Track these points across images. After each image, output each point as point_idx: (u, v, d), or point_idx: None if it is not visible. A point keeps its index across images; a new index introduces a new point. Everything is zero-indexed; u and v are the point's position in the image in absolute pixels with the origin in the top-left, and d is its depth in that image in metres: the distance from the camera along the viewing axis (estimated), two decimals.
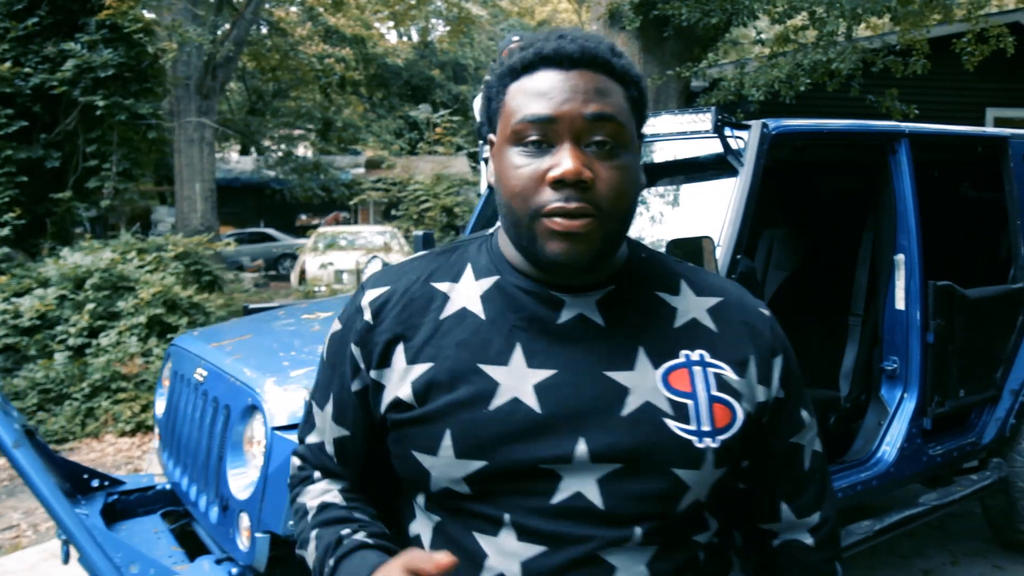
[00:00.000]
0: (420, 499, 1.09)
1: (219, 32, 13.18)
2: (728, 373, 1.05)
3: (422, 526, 1.09)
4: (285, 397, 1.83)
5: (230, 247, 8.23)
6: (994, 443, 3.15)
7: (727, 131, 2.43)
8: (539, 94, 1.00)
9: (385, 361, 1.07)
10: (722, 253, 2.29)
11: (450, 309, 1.07)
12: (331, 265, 9.19)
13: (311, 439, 1.18)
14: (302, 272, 11.11)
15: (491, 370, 1.02)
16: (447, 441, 1.02)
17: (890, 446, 2.80)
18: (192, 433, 2.22)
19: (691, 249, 2.13)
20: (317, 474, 1.17)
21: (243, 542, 1.88)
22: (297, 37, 18.47)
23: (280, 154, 20.05)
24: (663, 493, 1.01)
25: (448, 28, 27.43)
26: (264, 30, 17.64)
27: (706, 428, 1.02)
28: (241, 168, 23.65)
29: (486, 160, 3.67)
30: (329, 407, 1.14)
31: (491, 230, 1.16)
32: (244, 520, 1.84)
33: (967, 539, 3.67)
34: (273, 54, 17.18)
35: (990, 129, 3.23)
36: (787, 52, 8.37)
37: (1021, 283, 3.16)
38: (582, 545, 0.99)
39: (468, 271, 1.11)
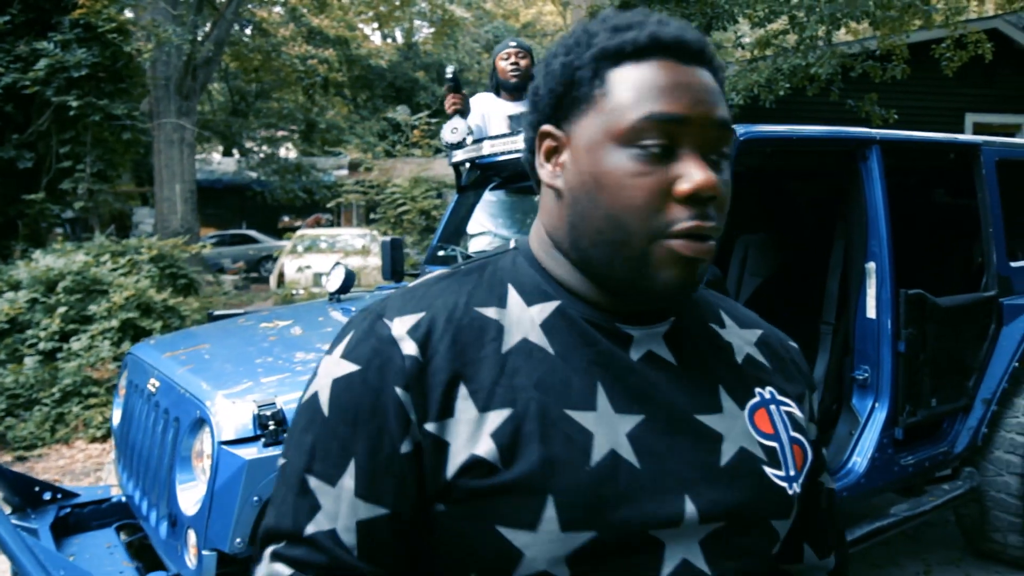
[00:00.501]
0: None
1: (199, 32, 13.07)
2: (794, 410, 0.95)
3: None
4: (233, 410, 1.77)
5: (207, 249, 8.13)
6: (966, 452, 3.13)
7: None
8: (664, 88, 0.82)
9: (447, 409, 0.83)
10: None
11: (510, 341, 0.87)
12: (309, 268, 9.11)
13: (312, 528, 0.83)
14: (280, 275, 11.02)
15: (580, 417, 0.84)
16: (550, 511, 0.80)
17: (861, 456, 2.77)
18: (144, 445, 2.16)
19: None
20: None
21: (191, 559, 1.82)
22: (280, 38, 18.38)
23: (262, 155, 19.95)
24: (762, 548, 0.89)
25: (432, 30, 27.42)
26: (247, 31, 17.53)
27: (792, 472, 0.91)
28: (223, 169, 23.51)
29: (456, 166, 3.49)
30: (348, 480, 0.83)
31: (512, 243, 0.97)
32: (192, 537, 1.79)
33: (941, 548, 3.65)
34: (255, 55, 17.08)
35: (962, 136, 3.21)
36: (767, 56, 8.38)
37: (993, 291, 3.14)
38: None
39: (513, 294, 0.91)
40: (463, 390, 0.83)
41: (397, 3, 20.22)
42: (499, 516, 0.81)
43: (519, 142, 3.00)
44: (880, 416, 2.78)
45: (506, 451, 0.81)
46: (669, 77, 0.83)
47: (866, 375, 2.80)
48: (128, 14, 11.03)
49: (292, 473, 0.85)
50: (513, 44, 4.01)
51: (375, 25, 27.40)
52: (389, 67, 27.26)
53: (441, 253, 3.31)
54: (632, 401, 0.86)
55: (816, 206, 3.51)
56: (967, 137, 3.19)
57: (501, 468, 0.81)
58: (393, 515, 0.83)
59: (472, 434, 0.82)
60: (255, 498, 1.67)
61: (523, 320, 0.88)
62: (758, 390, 0.93)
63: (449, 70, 3.46)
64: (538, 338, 0.87)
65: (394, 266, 3.33)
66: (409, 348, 0.83)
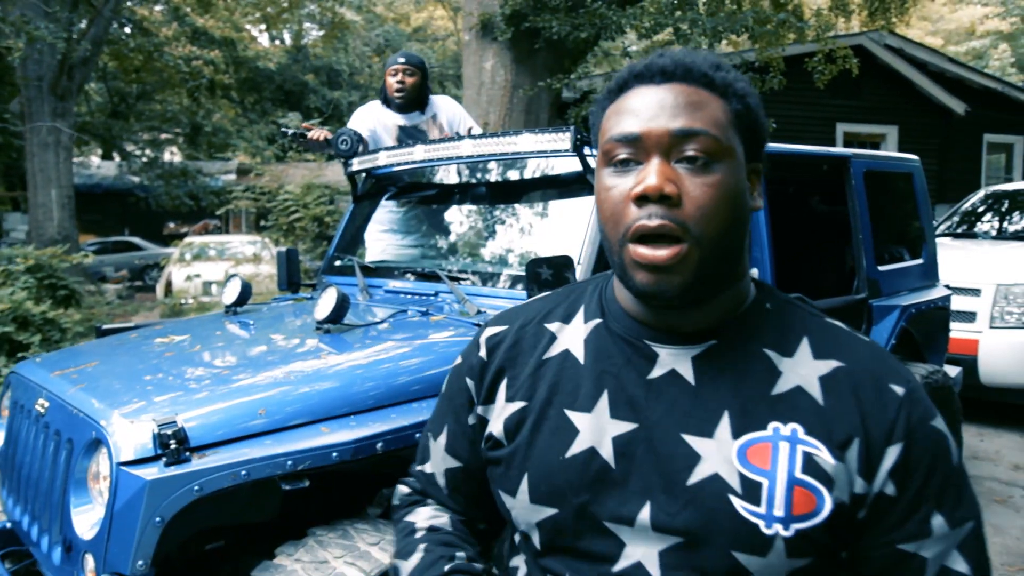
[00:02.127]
0: (516, 536, 1.11)
1: (75, 30, 12.46)
2: (822, 454, 0.92)
3: (520, 560, 1.10)
4: (132, 430, 1.73)
5: (89, 259, 7.76)
6: None
7: (586, 150, 2.48)
8: (629, 112, 0.96)
9: (491, 397, 1.11)
10: (581, 271, 2.33)
11: (555, 350, 1.08)
12: (198, 277, 8.83)
13: (423, 469, 1.22)
14: (168, 284, 10.63)
15: (575, 416, 1.01)
16: (524, 485, 1.03)
17: None
18: (33, 469, 2.08)
19: (556, 265, 2.17)
20: (430, 500, 1.21)
21: None
22: (162, 37, 17.72)
23: (145, 159, 19.16)
24: (723, 573, 0.92)
25: (322, 32, 26.99)
26: (127, 29, 16.82)
27: (779, 513, 0.91)
28: (103, 173, 22.43)
29: (352, 176, 3.51)
30: (443, 438, 1.18)
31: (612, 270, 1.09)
32: (89, 562, 1.74)
33: None
34: (136, 54, 16.40)
35: (834, 149, 3.43)
36: None
37: (864, 293, 3.37)
38: None
39: (580, 313, 1.10)
40: (504, 384, 1.09)
41: (285, 4, 19.82)
42: (497, 480, 1.08)
43: (415, 153, 3.03)
44: None
45: (509, 433, 1.06)
46: (635, 101, 0.96)
47: None
48: None
49: (425, 431, 1.22)
50: (401, 60, 3.93)
51: (263, 27, 26.75)
52: (278, 69, 26.66)
53: (338, 263, 3.30)
54: (630, 411, 0.99)
55: None
56: (838, 150, 3.42)
57: (505, 445, 1.07)
58: (464, 467, 1.16)
59: (497, 416, 1.08)
60: (157, 519, 1.64)
61: (575, 334, 1.08)
62: (775, 424, 0.94)
63: (289, 131, 3.79)
64: (577, 349, 1.06)
65: (290, 276, 3.30)
66: (482, 351, 1.13)
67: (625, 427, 0.98)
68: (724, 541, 0.92)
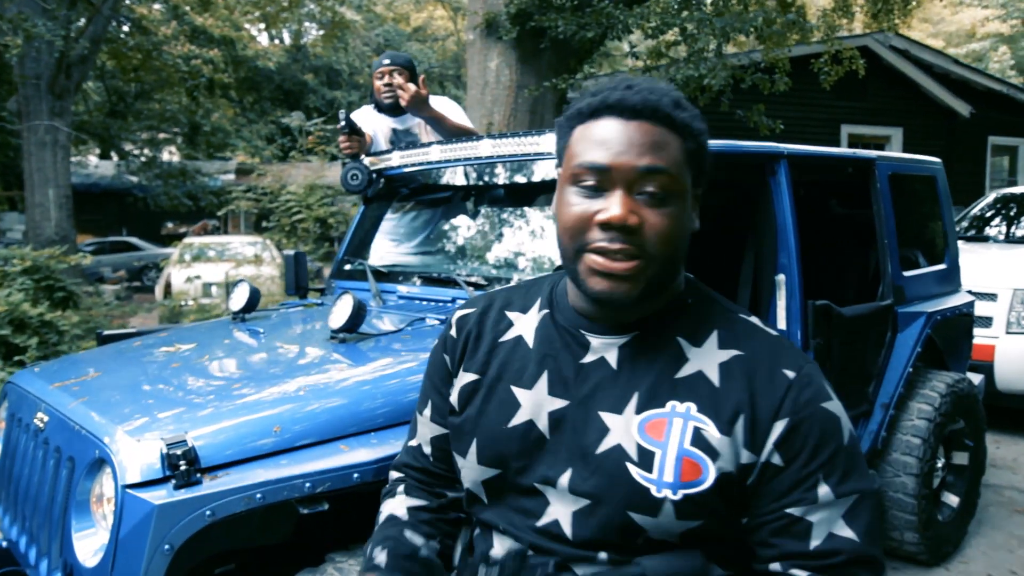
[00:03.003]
0: (463, 493, 1.29)
1: (73, 28, 12.33)
2: (710, 429, 1.08)
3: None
4: (139, 449, 1.61)
5: (87, 260, 7.63)
6: (868, 456, 3.24)
7: None
8: (599, 142, 1.08)
9: (458, 370, 1.28)
10: None
11: (510, 335, 1.25)
12: (198, 278, 8.70)
13: (411, 443, 1.38)
14: (167, 285, 10.50)
15: (519, 392, 1.19)
16: (473, 448, 1.21)
17: None
18: (32, 486, 1.96)
19: None
20: (400, 488, 1.35)
21: None
22: (161, 36, 17.60)
23: (143, 159, 19.03)
24: (620, 529, 1.09)
25: (321, 32, 26.87)
26: (125, 28, 16.69)
27: (668, 479, 1.07)
28: (101, 173, 22.29)
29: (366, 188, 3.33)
30: (428, 410, 1.34)
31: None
32: None
33: None
34: (135, 53, 16.28)
35: (860, 151, 3.33)
36: (660, 66, 8.56)
37: (889, 300, 3.26)
38: (555, 556, 1.13)
39: (536, 305, 1.27)
40: (467, 359, 1.27)
41: (285, 3, 19.70)
42: (453, 443, 1.27)
43: (430, 154, 2.92)
44: None
45: (462, 402, 1.25)
46: (605, 132, 1.08)
47: None
48: None
49: (415, 410, 1.39)
50: (387, 61, 3.75)
51: (262, 26, 26.63)
52: (277, 69, 26.56)
53: (348, 267, 3.19)
54: (565, 389, 1.16)
55: (723, 218, 3.56)
56: (864, 152, 3.31)
57: (458, 412, 1.25)
58: (448, 433, 1.29)
59: (457, 386, 1.26)
60: (166, 546, 1.52)
61: (529, 322, 1.25)
62: (673, 403, 1.10)
63: (342, 114, 3.32)
64: (528, 336, 1.23)
65: (298, 280, 3.19)
66: (453, 331, 1.32)
67: (559, 403, 1.16)
68: (621, 502, 1.08)
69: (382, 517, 1.33)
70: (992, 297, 5.23)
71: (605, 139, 1.08)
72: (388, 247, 3.24)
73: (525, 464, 1.16)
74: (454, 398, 1.25)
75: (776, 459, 1.06)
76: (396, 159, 3.06)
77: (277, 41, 30.20)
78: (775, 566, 1.09)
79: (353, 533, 1.81)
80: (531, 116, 8.00)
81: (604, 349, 1.16)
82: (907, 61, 12.72)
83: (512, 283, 2.45)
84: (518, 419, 1.17)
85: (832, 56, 8.83)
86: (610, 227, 1.06)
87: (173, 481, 1.57)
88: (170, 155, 22.13)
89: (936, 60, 13.31)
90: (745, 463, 1.07)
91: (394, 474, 1.40)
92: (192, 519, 1.55)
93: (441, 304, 2.59)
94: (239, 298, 2.71)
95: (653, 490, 1.06)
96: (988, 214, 7.11)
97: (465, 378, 1.25)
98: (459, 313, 1.33)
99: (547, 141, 2.49)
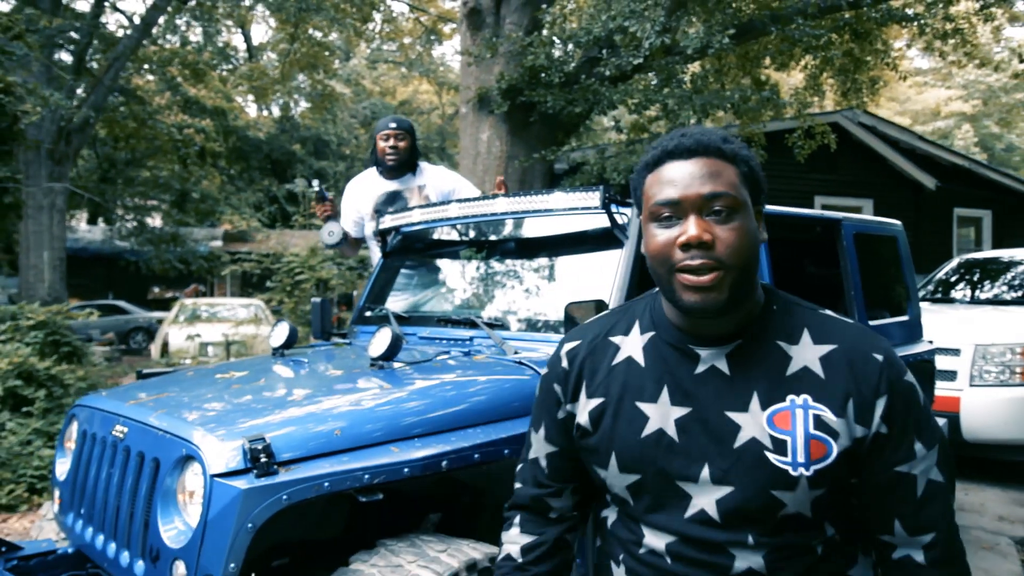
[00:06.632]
0: (608, 496, 1.47)
1: (75, 96, 12.78)
2: (827, 414, 1.28)
3: (611, 511, 1.48)
4: (223, 446, 1.90)
5: (93, 316, 7.87)
6: None
7: (613, 207, 2.74)
8: (668, 182, 1.31)
9: (576, 396, 1.46)
10: None
11: (619, 357, 1.44)
12: (198, 337, 8.93)
13: (529, 456, 1.56)
14: (164, 344, 10.71)
15: (644, 406, 1.37)
16: (613, 460, 1.39)
17: None
18: (110, 490, 2.23)
19: (587, 309, 2.40)
20: (516, 519, 1.54)
21: None
22: (155, 106, 18.09)
23: (133, 224, 19.34)
24: (765, 507, 1.28)
25: (309, 105, 27.54)
26: (120, 97, 17.17)
27: (801, 459, 1.27)
28: (89, 238, 22.57)
29: (383, 233, 3.77)
30: (542, 431, 1.53)
31: (655, 290, 1.47)
32: (180, 568, 1.89)
33: None
34: (129, 121, 16.73)
35: (827, 212, 3.73)
36: (642, 139, 9.06)
37: None
38: (707, 541, 1.31)
39: (636, 326, 1.46)
40: (584, 386, 1.45)
41: (276, 76, 20.32)
42: (590, 459, 1.45)
43: (449, 210, 3.27)
44: None
45: (594, 422, 1.43)
46: (671, 173, 1.32)
47: None
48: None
49: (528, 429, 1.58)
50: (393, 125, 4.04)
51: (251, 97, 27.30)
52: (266, 139, 27.16)
53: (368, 314, 3.51)
54: (685, 398, 1.35)
55: None
56: (830, 213, 3.70)
57: (591, 432, 1.43)
58: (560, 451, 1.51)
59: (583, 410, 1.45)
60: (249, 525, 1.81)
61: (634, 343, 1.44)
62: (791, 397, 1.30)
63: (315, 183, 3.84)
64: (638, 356, 1.42)
65: (323, 325, 3.51)
66: (564, 363, 1.49)
67: (682, 411, 1.34)
68: (764, 484, 1.28)
69: (502, 553, 1.53)
70: (956, 352, 5.59)
71: (672, 178, 1.30)
72: (406, 295, 3.57)
73: (662, 466, 1.33)
74: (584, 420, 1.43)
75: (883, 429, 1.28)
76: (417, 216, 3.41)
77: (266, 112, 30.92)
78: (898, 527, 1.31)
79: (391, 530, 2.09)
80: (521, 186, 8.39)
81: (713, 359, 1.34)
82: (875, 136, 13.40)
83: (538, 324, 2.78)
84: (648, 429, 1.35)
85: (805, 131, 9.40)
86: (689, 246, 1.26)
87: (254, 471, 1.86)
88: (151, 220, 22.43)
89: (902, 136, 14.00)
90: (859, 436, 1.28)
91: (517, 484, 1.58)
92: (271, 503, 1.84)
93: (461, 342, 2.91)
94: (279, 335, 3.02)
95: (790, 471, 1.26)
96: (953, 278, 7.54)
97: (591, 403, 1.43)
98: (567, 346, 1.51)
99: (555, 199, 2.86)
